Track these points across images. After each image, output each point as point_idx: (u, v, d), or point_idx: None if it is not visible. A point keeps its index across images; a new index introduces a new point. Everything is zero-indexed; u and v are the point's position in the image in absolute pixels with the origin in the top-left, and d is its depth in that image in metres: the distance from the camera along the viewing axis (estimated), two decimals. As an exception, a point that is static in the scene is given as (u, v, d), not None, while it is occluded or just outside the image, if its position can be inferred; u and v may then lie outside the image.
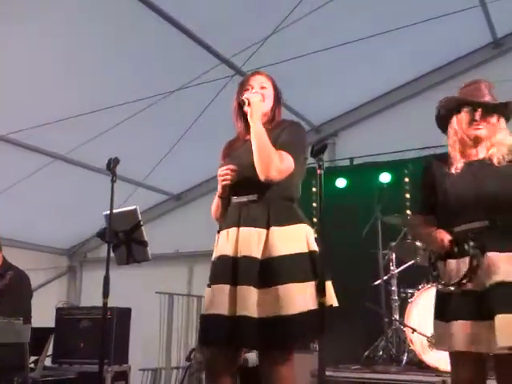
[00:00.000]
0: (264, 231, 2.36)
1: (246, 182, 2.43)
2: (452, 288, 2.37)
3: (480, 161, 2.51)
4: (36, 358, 4.64)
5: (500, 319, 2.21)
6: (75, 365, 5.13)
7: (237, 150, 2.57)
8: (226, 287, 2.31)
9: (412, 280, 4.89)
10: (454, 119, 2.58)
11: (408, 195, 5.80)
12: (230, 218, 2.47)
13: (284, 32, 4.81)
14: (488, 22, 5.59)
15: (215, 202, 2.60)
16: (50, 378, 4.78)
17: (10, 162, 5.79)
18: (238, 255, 2.35)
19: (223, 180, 2.48)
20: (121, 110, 5.21)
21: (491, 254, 2.33)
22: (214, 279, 2.40)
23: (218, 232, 2.52)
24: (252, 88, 2.57)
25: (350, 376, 4.35)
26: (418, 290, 4.67)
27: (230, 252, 2.38)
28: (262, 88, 2.58)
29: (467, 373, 2.40)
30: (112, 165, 3.11)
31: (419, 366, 4.40)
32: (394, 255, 5.03)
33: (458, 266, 2.39)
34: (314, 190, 6.17)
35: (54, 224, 7.15)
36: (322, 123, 6.87)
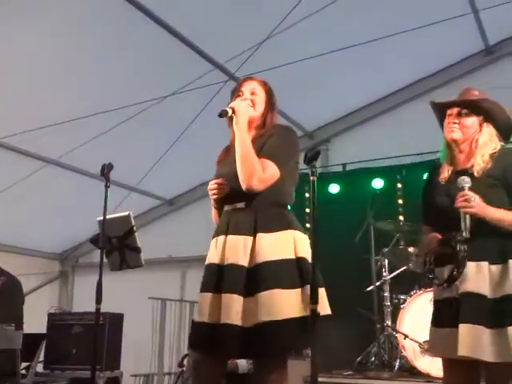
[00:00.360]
0: (250, 238, 2.34)
1: (233, 190, 2.42)
2: (445, 285, 2.40)
3: (463, 171, 2.48)
4: (27, 364, 4.61)
5: (461, 328, 2.27)
6: (67, 371, 5.09)
7: (228, 157, 2.56)
8: (210, 295, 2.32)
9: (404, 286, 4.90)
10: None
11: (401, 201, 5.83)
12: (219, 225, 2.48)
13: (277, 38, 4.82)
14: (480, 29, 5.63)
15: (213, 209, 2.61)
16: (41, 384, 4.76)
17: (2, 167, 5.76)
18: (225, 263, 2.34)
19: (212, 194, 2.49)
20: (114, 115, 5.21)
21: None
22: (202, 287, 2.41)
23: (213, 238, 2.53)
24: (242, 94, 2.55)
25: (342, 382, 4.35)
26: (411, 296, 4.68)
27: (216, 260, 2.38)
28: (253, 94, 2.55)
29: (457, 378, 2.43)
30: (106, 170, 3.11)
31: (411, 372, 4.40)
32: (386, 261, 5.03)
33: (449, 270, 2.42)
34: (307, 195, 6.22)
35: (46, 228, 7.12)
36: (315, 129, 6.89)
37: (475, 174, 2.43)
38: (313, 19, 4.71)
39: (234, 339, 2.22)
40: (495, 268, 2.34)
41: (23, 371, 4.45)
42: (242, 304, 2.25)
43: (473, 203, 2.32)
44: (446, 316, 2.40)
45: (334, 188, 6.23)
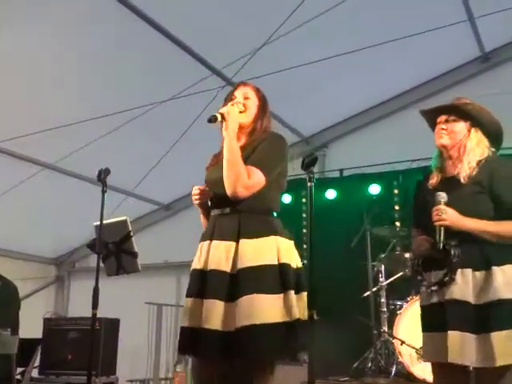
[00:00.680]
0: (233, 244, 2.35)
1: (220, 195, 2.43)
2: (434, 288, 2.42)
3: (451, 178, 2.51)
4: (23, 369, 4.60)
5: (450, 335, 2.31)
6: (63, 376, 5.07)
7: (217, 163, 2.56)
8: (194, 301, 2.35)
9: (401, 292, 4.91)
10: None
11: (397, 207, 5.84)
12: (206, 230, 2.49)
13: (274, 44, 4.84)
14: (476, 36, 5.65)
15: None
16: (36, 390, 4.74)
17: (-2, 171, 5.76)
18: (208, 268, 2.36)
19: (194, 200, 2.53)
20: (111, 120, 5.21)
21: None
22: (187, 292, 2.44)
23: None
24: (235, 98, 2.56)
25: (339, 388, 4.35)
26: (407, 301, 4.68)
27: (200, 265, 2.40)
28: (246, 98, 2.56)
29: (447, 381, 2.45)
30: (103, 175, 3.11)
31: (408, 377, 4.39)
32: (383, 267, 5.04)
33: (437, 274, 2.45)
34: (303, 200, 6.23)
35: (42, 233, 7.11)
36: (312, 134, 6.90)
37: (462, 180, 2.45)
38: (309, 26, 4.73)
39: (214, 344, 2.24)
40: (479, 274, 2.37)
41: (18, 376, 4.44)
42: (224, 309, 2.27)
43: (444, 216, 2.39)
44: (435, 321, 2.43)
45: (330, 193, 6.23)
